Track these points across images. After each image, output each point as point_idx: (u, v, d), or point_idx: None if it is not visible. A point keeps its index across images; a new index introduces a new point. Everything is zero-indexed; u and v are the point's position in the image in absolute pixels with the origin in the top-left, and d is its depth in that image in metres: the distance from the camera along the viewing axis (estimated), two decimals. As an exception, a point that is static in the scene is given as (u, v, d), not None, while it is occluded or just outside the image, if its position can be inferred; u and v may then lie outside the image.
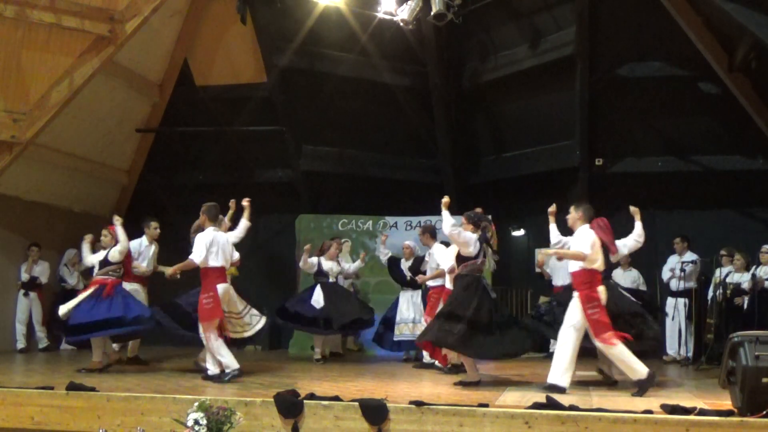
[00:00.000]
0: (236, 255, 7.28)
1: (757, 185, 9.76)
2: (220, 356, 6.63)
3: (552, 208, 6.94)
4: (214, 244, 6.76)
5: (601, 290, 6.06)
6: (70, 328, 7.24)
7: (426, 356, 8.33)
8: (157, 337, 8.29)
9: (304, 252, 9.22)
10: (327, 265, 9.29)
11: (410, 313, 8.94)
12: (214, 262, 6.75)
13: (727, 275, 8.77)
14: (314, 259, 9.22)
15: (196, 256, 6.68)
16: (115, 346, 7.80)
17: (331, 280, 9.29)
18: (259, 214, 11.75)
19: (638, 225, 6.94)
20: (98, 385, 5.64)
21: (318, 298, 9.01)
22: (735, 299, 8.54)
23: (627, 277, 10.04)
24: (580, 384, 6.78)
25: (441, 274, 8.11)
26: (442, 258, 8.11)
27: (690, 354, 9.23)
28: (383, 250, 9.38)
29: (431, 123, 10.90)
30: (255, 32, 10.25)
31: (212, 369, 6.67)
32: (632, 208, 6.98)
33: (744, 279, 8.67)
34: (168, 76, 10.92)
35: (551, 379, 6.00)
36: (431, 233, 8.51)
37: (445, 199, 6.74)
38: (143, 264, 8.10)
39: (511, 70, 10.16)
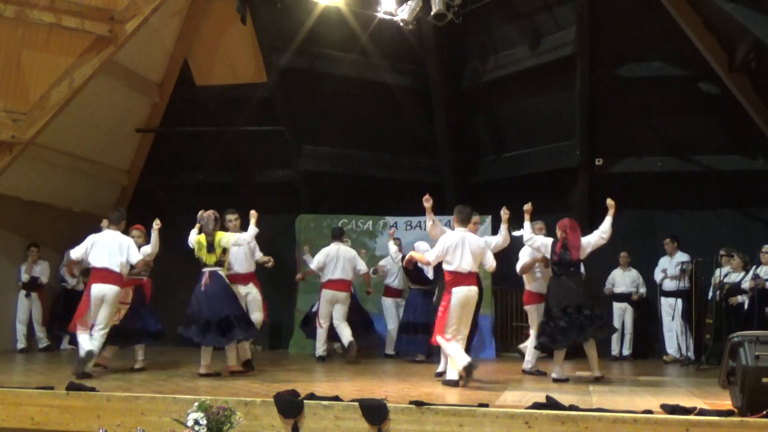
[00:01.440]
0: (133, 258, 7.04)
1: (757, 185, 9.75)
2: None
3: (527, 207, 7.21)
4: (97, 245, 6.94)
5: (456, 291, 6.39)
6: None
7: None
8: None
9: (306, 254, 9.48)
10: None
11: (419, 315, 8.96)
12: (94, 261, 6.91)
13: (726, 275, 8.78)
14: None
15: (74, 251, 7.00)
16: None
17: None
18: (259, 214, 11.80)
19: (607, 220, 7.08)
20: (98, 385, 5.64)
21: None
22: (730, 299, 8.55)
23: (626, 278, 10.07)
24: (580, 384, 6.79)
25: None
26: None
27: (691, 354, 9.24)
28: (393, 248, 9.43)
29: (431, 123, 10.89)
30: (255, 32, 10.25)
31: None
32: (609, 201, 7.11)
33: (741, 279, 8.67)
34: (168, 76, 10.93)
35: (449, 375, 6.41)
36: None
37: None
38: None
39: (511, 70, 10.16)
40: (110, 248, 6.93)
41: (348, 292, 9.15)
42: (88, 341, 6.81)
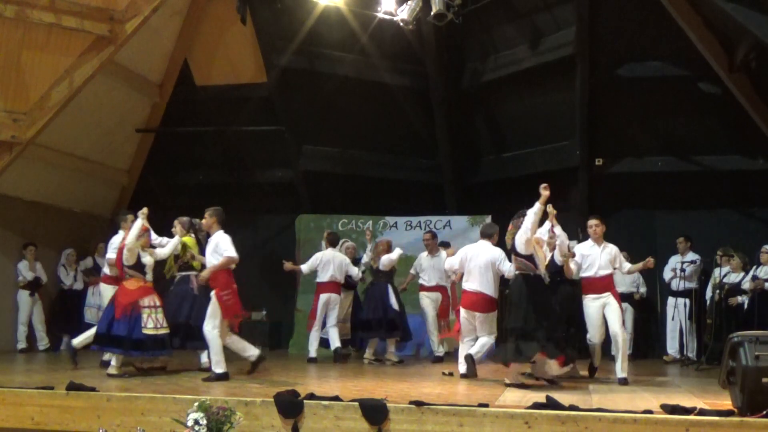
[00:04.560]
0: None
1: (757, 185, 9.76)
2: None
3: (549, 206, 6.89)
4: None
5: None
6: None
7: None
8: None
9: (397, 248, 9.15)
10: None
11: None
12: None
13: (725, 275, 8.78)
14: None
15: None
16: None
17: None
18: (259, 214, 11.84)
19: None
20: (98, 385, 5.64)
21: (394, 300, 9.01)
22: (730, 299, 8.55)
23: (627, 278, 10.03)
24: (580, 384, 6.79)
25: None
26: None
27: (693, 354, 9.25)
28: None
29: (431, 123, 10.89)
30: (255, 32, 10.25)
31: None
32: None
33: (739, 279, 8.67)
34: (168, 76, 10.92)
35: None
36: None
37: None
38: None
39: (511, 70, 10.15)
40: None
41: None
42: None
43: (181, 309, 7.38)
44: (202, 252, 7.26)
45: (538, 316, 6.35)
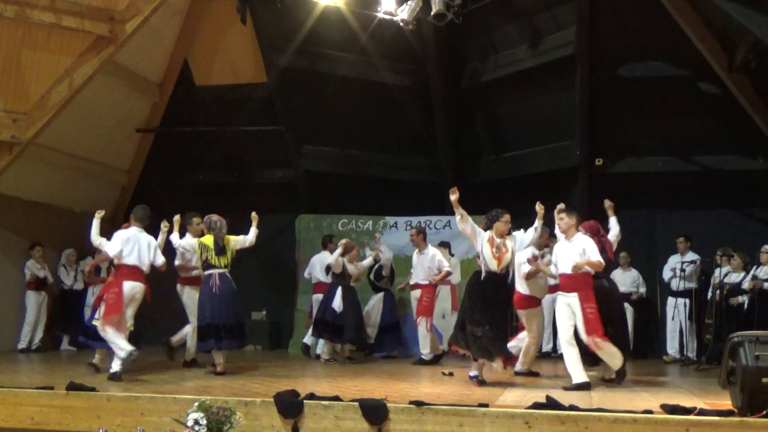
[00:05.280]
0: (160, 259, 7.21)
1: (757, 185, 9.76)
2: None
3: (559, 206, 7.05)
4: (128, 242, 6.94)
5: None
6: None
7: None
8: (152, 337, 8.28)
9: (340, 246, 8.98)
10: (350, 268, 9.15)
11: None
12: (126, 259, 6.91)
13: (725, 276, 8.78)
14: (341, 259, 8.99)
15: (111, 249, 6.88)
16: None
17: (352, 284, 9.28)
18: (259, 214, 11.79)
19: (612, 221, 7.23)
20: (98, 385, 5.65)
21: (339, 302, 8.89)
22: (731, 299, 8.55)
23: (627, 278, 10.06)
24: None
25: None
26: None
27: (693, 354, 9.25)
28: (382, 248, 9.50)
29: (431, 123, 10.89)
30: (255, 32, 10.25)
31: None
32: (607, 203, 7.23)
33: (740, 279, 8.67)
34: (168, 76, 10.93)
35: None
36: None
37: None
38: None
39: (511, 70, 10.15)
40: (141, 246, 7.01)
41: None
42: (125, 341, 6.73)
43: (205, 309, 7.29)
44: (219, 251, 7.44)
45: (480, 314, 6.38)
